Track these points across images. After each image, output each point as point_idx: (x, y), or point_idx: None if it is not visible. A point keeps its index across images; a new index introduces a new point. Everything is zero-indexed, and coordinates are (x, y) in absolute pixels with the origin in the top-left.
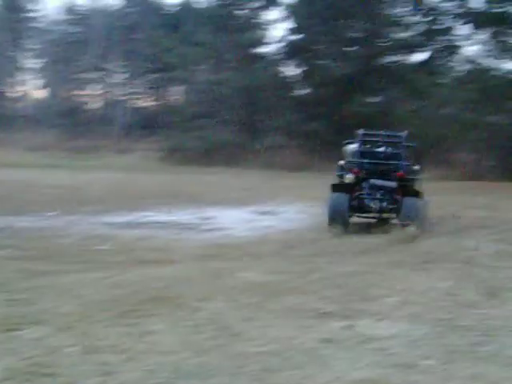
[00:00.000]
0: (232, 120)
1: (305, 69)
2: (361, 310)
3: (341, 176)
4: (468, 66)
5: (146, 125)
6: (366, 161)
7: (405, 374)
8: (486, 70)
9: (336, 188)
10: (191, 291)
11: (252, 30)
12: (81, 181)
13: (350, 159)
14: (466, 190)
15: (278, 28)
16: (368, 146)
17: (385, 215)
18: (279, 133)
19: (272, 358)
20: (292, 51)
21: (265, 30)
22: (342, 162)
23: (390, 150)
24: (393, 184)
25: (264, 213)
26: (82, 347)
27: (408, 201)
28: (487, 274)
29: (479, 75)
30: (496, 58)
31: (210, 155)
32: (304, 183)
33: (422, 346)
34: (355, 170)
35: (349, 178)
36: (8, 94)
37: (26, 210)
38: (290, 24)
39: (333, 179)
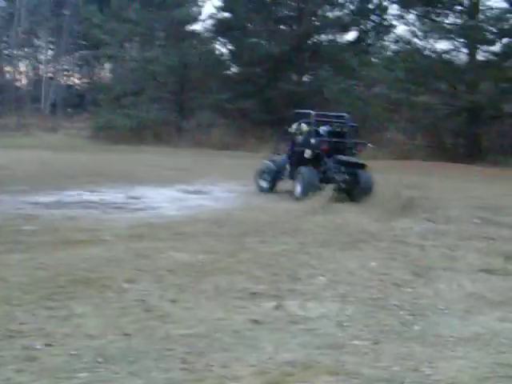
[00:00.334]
0: (162, 98)
1: (234, 47)
2: (290, 290)
3: (292, 153)
4: (398, 46)
5: (75, 103)
6: (328, 139)
7: (334, 354)
8: (415, 50)
9: (303, 162)
10: (118, 272)
11: (183, 6)
12: (6, 159)
13: (307, 137)
14: (395, 170)
15: (209, 5)
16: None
17: (345, 186)
18: (209, 111)
19: (199, 340)
20: (221, 29)
21: (196, 6)
22: (299, 138)
23: (345, 129)
24: (357, 160)
25: (194, 192)
26: (3, 331)
27: (364, 174)
28: (417, 252)
29: (409, 55)
30: (425, 38)
31: (140, 134)
32: (234, 162)
33: (351, 327)
34: (325, 147)
35: (308, 153)
36: None
37: None
38: (219, 1)
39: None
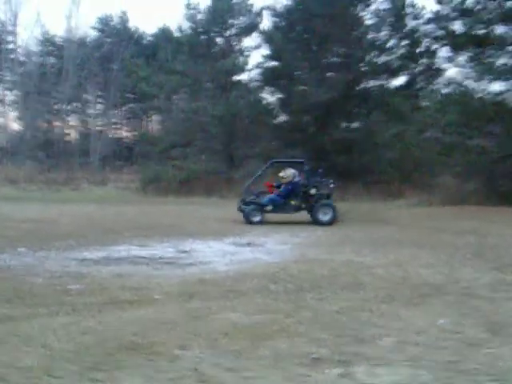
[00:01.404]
0: (210, 149)
1: (282, 95)
2: (355, 354)
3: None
4: (449, 89)
5: (124, 156)
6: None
7: None
8: (467, 92)
9: (304, 198)
10: (169, 337)
11: (229, 57)
12: (54, 214)
13: (306, 179)
14: (449, 216)
15: (255, 55)
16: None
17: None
18: (258, 160)
19: None
20: (269, 78)
21: (242, 56)
22: (299, 180)
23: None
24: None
25: (246, 244)
26: None
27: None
28: (488, 307)
29: (461, 98)
30: (477, 80)
31: (189, 185)
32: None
33: None
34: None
35: (313, 191)
36: None
37: None
38: (266, 50)
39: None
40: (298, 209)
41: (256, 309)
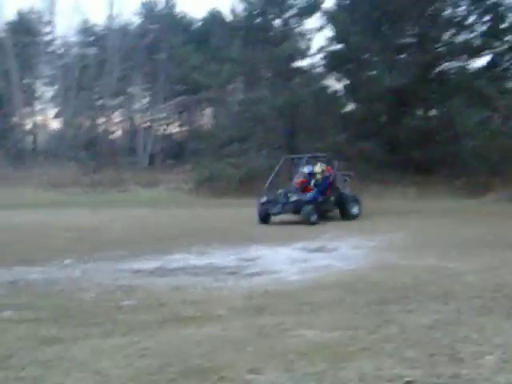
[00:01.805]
0: (271, 143)
1: (349, 82)
2: (453, 376)
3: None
4: None
5: (175, 153)
6: None
7: None
8: None
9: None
10: (238, 358)
11: (289, 41)
12: (102, 220)
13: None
14: None
15: (318, 38)
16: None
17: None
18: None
19: None
20: (334, 63)
21: (303, 40)
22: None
23: None
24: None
25: (316, 250)
26: None
27: None
28: None
29: None
30: None
31: (248, 184)
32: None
33: None
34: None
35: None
36: (20, 126)
37: (39, 257)
38: (330, 32)
39: None
40: (336, 204)
41: (334, 324)
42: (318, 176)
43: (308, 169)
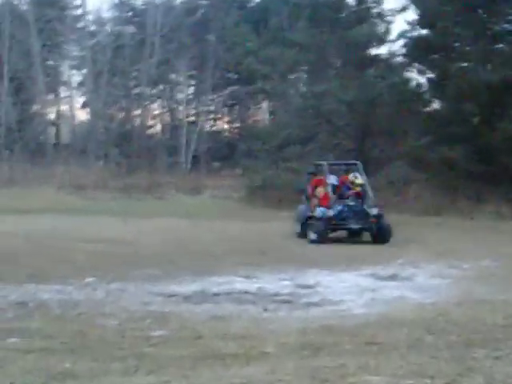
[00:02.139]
0: (337, 146)
1: (436, 75)
2: None
3: None
4: None
5: (224, 155)
6: None
7: None
8: None
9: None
10: None
11: (365, 23)
12: (132, 231)
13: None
14: None
15: (399, 21)
16: None
17: None
18: (402, 162)
19: None
20: (418, 51)
21: (381, 23)
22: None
23: None
24: None
25: (387, 277)
26: None
27: None
28: None
29: None
30: None
31: None
32: (441, 233)
33: None
34: None
35: None
36: (41, 116)
37: (55, 273)
38: (414, 14)
39: None
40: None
41: (407, 370)
42: (355, 187)
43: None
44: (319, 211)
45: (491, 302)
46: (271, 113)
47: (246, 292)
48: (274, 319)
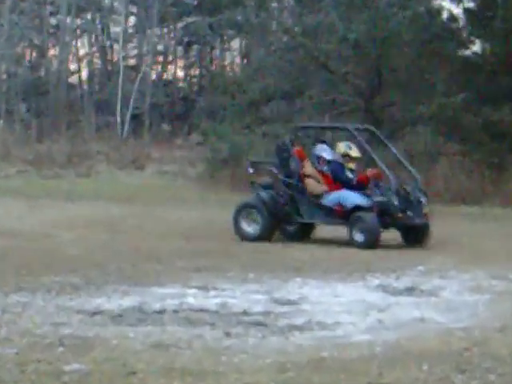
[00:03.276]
0: (337, 103)
1: (478, 3)
2: None
3: None
4: None
5: (175, 114)
6: None
7: None
8: None
9: None
10: None
11: None
12: (45, 222)
13: None
14: None
15: None
16: None
17: None
18: (428, 128)
19: None
20: None
21: None
22: None
23: None
24: None
25: (402, 291)
26: None
27: None
28: None
29: None
30: None
31: None
32: (480, 228)
33: None
34: None
35: None
36: None
37: None
38: None
39: None
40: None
41: None
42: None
43: (326, 152)
44: (361, 198)
45: None
46: (244, 55)
47: (202, 310)
48: (239, 349)
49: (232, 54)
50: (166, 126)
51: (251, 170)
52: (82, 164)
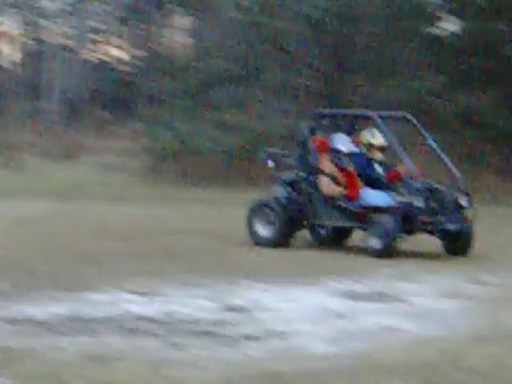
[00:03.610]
0: (295, 88)
1: None
2: None
3: None
4: None
5: (114, 100)
6: None
7: None
8: None
9: None
10: None
11: None
12: None
13: None
14: None
15: None
16: None
17: None
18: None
19: None
20: None
21: None
22: None
23: None
24: None
25: (368, 296)
26: None
27: None
28: None
29: None
30: None
31: (247, 163)
32: None
33: None
34: None
35: None
36: None
37: None
38: None
39: None
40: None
41: None
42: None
43: (343, 143)
44: (387, 197)
45: None
46: (194, 34)
47: (142, 318)
48: (184, 361)
49: (180, 33)
50: (103, 114)
51: (271, 164)
52: (5, 155)
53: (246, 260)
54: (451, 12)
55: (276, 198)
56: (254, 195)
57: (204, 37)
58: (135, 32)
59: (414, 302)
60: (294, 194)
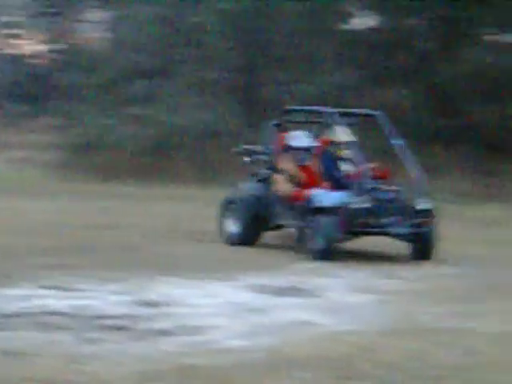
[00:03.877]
0: (210, 83)
1: None
2: None
3: None
4: None
5: (28, 93)
6: None
7: None
8: None
9: None
10: None
11: None
12: None
13: None
14: None
15: None
16: None
17: None
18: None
19: None
20: None
21: None
22: None
23: None
24: None
25: (284, 290)
26: None
27: None
28: None
29: None
30: None
31: (164, 157)
32: None
33: None
34: None
35: None
36: None
37: None
38: None
39: None
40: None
41: None
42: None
43: (297, 140)
44: (332, 197)
45: (444, 331)
46: (106, 27)
47: (56, 312)
48: (97, 356)
49: (94, 27)
50: (16, 108)
51: (247, 160)
52: None
53: (161, 255)
54: (369, 7)
55: (242, 196)
56: (172, 189)
57: (120, 31)
58: (51, 26)
59: (330, 297)
60: (262, 191)
